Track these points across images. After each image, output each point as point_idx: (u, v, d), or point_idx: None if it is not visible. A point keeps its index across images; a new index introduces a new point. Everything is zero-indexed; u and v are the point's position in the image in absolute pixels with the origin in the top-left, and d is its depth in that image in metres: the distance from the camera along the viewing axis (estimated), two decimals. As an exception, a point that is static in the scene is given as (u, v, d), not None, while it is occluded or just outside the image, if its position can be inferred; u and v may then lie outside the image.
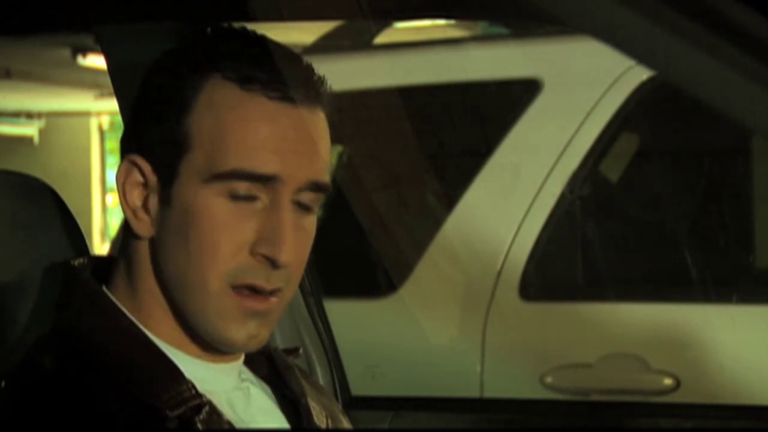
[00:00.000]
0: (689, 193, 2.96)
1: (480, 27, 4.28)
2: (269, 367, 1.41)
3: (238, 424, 1.28)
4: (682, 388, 2.69)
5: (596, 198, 2.97)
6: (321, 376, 2.05)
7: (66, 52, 7.63)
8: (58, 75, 8.73)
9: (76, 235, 1.44)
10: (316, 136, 1.28)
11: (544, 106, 2.95)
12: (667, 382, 2.70)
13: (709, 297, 2.74)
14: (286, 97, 1.25)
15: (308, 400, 1.39)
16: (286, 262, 1.24)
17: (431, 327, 2.89)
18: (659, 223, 2.94)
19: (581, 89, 2.94)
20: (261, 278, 1.25)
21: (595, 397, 2.78)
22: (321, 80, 1.29)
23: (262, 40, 1.30)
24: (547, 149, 2.92)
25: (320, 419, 1.39)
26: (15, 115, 11.06)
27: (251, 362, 1.38)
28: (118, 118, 1.65)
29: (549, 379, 2.78)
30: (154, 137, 1.27)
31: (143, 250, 1.29)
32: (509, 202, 2.92)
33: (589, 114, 2.90)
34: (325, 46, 3.45)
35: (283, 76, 1.25)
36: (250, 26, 1.33)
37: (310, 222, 1.29)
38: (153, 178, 1.27)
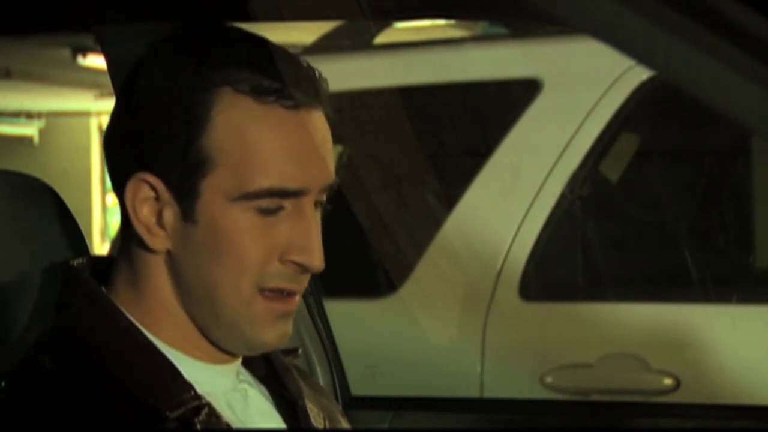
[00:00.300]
0: (689, 193, 2.96)
1: (480, 27, 4.28)
2: (267, 368, 1.41)
3: (236, 425, 1.28)
4: (682, 388, 2.69)
5: (596, 198, 2.97)
6: (321, 376, 2.05)
7: (66, 52, 7.63)
8: (58, 75, 8.74)
9: (76, 235, 1.44)
10: (327, 137, 1.28)
11: (544, 106, 2.95)
12: (667, 382, 2.70)
13: (709, 297, 2.74)
14: (298, 104, 1.25)
15: (305, 402, 1.39)
16: (319, 266, 1.26)
17: (431, 327, 2.89)
18: (659, 223, 2.94)
19: (581, 89, 2.94)
20: (292, 283, 1.27)
21: (595, 397, 2.78)
22: (324, 80, 1.29)
23: (264, 44, 1.28)
24: (547, 149, 2.92)
25: (318, 421, 1.39)
26: (15, 115, 11.07)
27: (249, 363, 1.38)
28: (118, 118, 1.64)
29: (549, 379, 2.78)
30: (165, 156, 1.24)
31: (156, 262, 1.28)
32: (509, 202, 2.92)
33: (589, 114, 2.90)
34: (325, 46, 3.45)
35: (291, 81, 1.25)
36: (250, 26, 1.32)
37: (320, 220, 1.30)
38: (167, 195, 1.25)
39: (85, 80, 8.84)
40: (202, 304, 1.27)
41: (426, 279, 2.93)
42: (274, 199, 1.24)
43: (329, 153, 1.28)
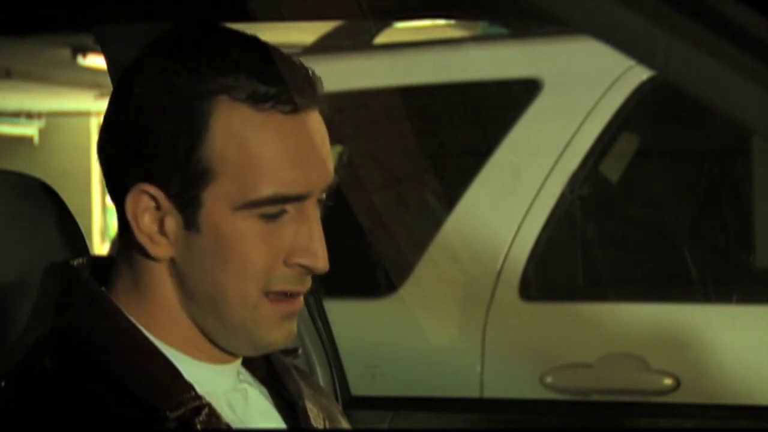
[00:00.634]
0: (689, 193, 2.96)
1: (480, 27, 4.28)
2: (267, 368, 1.41)
3: (236, 425, 1.28)
4: (682, 388, 2.69)
5: (596, 198, 2.97)
6: (321, 376, 2.05)
7: (66, 52, 7.63)
8: (58, 75, 8.74)
9: (76, 235, 1.44)
10: (325, 138, 1.28)
11: (544, 106, 2.95)
12: (667, 382, 2.70)
13: (709, 297, 2.74)
14: (296, 108, 1.24)
15: (305, 402, 1.39)
16: (324, 267, 1.26)
17: (431, 327, 2.89)
18: (659, 223, 2.94)
19: (581, 89, 2.94)
20: (297, 284, 1.27)
21: (595, 397, 2.78)
22: (318, 79, 1.29)
23: (258, 46, 1.27)
24: (547, 149, 2.92)
25: (317, 421, 1.39)
26: (15, 115, 11.07)
27: (249, 363, 1.38)
28: (118, 118, 1.64)
29: (549, 379, 2.78)
30: (164, 167, 1.23)
31: (159, 268, 1.28)
32: (509, 202, 2.92)
33: (589, 114, 2.90)
34: (325, 46, 3.45)
35: (288, 85, 1.24)
36: (250, 26, 1.32)
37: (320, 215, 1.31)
38: (167, 204, 1.25)
39: (85, 80, 8.84)
40: (207, 308, 1.27)
41: (426, 279, 2.93)
42: (277, 206, 1.24)
43: (328, 153, 1.28)
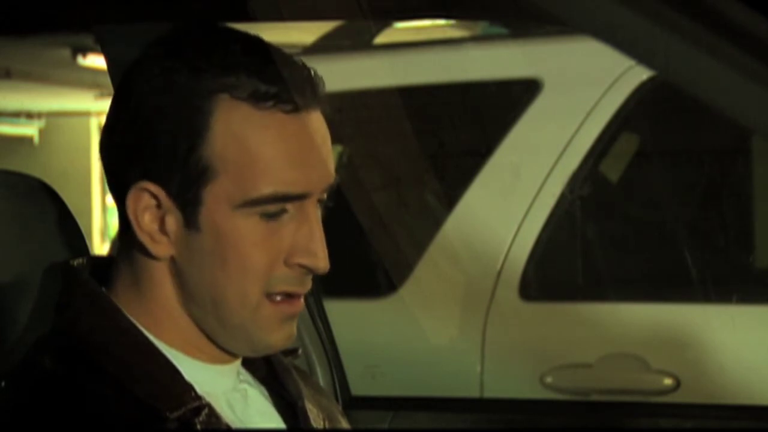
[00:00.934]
0: (689, 193, 2.96)
1: (480, 27, 4.27)
2: (267, 368, 1.41)
3: (236, 425, 1.28)
4: (682, 388, 2.69)
5: (596, 198, 2.97)
6: (321, 376, 2.05)
7: (66, 52, 7.63)
8: (58, 75, 8.74)
9: (76, 235, 1.44)
10: (326, 137, 1.28)
11: (544, 106, 2.95)
12: (667, 382, 2.70)
13: (709, 297, 2.74)
14: (297, 107, 1.24)
15: (305, 403, 1.38)
16: (324, 268, 1.26)
17: (431, 327, 2.89)
18: (659, 223, 2.94)
19: (581, 89, 2.94)
20: (297, 285, 1.27)
21: (595, 397, 2.78)
22: (320, 79, 1.29)
23: (259, 46, 1.27)
24: (547, 149, 2.92)
25: (317, 422, 1.39)
26: (15, 115, 11.07)
27: (249, 363, 1.38)
28: (118, 118, 1.64)
29: (549, 379, 2.78)
30: (165, 166, 1.24)
31: (159, 267, 1.28)
32: (509, 202, 2.92)
33: (589, 114, 2.90)
34: (325, 46, 3.45)
35: (289, 84, 1.24)
36: (250, 26, 1.32)
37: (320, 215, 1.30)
38: (168, 203, 1.25)
39: (85, 80, 8.84)
40: (207, 309, 1.27)
41: (426, 279, 2.93)
42: (277, 204, 1.24)
43: (329, 153, 1.28)
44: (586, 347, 2.81)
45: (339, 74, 3.02)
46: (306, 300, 2.02)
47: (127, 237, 1.29)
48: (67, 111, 10.92)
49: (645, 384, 2.73)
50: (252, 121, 1.23)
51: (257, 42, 1.28)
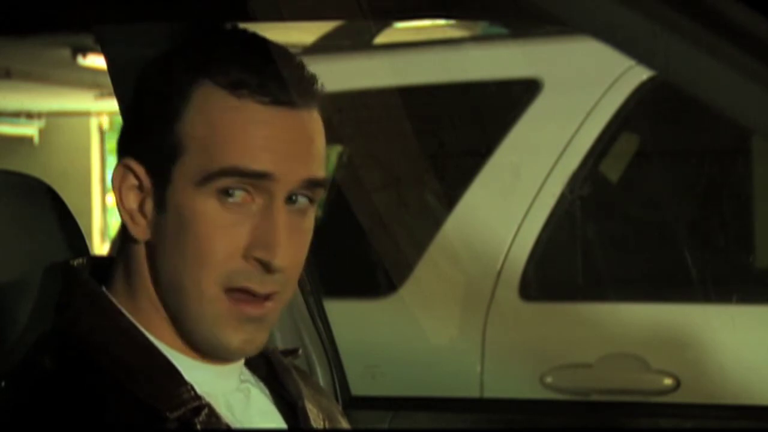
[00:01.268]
0: (689, 193, 2.96)
1: (480, 27, 4.27)
2: (267, 368, 1.41)
3: (235, 427, 1.28)
4: (682, 388, 2.69)
5: (596, 198, 2.97)
6: (321, 376, 2.05)
7: (66, 52, 7.63)
8: (58, 75, 8.74)
9: (76, 235, 1.44)
10: (310, 135, 1.27)
11: (544, 106, 2.95)
12: (667, 382, 2.70)
13: (709, 297, 2.74)
14: (276, 101, 1.25)
15: (305, 403, 1.38)
16: (280, 266, 1.24)
17: (431, 327, 2.89)
18: (659, 223, 2.94)
19: (581, 89, 2.94)
20: (255, 282, 1.24)
21: (595, 397, 2.78)
22: (312, 78, 1.29)
23: (254, 40, 1.29)
24: (547, 149, 2.92)
25: (317, 422, 1.39)
26: (15, 115, 11.06)
27: (249, 363, 1.38)
28: (118, 118, 1.65)
29: (549, 379, 2.78)
30: (146, 142, 1.27)
31: (140, 254, 1.29)
32: (509, 202, 2.92)
33: (589, 114, 2.90)
34: (325, 46, 3.45)
35: (274, 78, 1.25)
36: (250, 26, 1.33)
37: (308, 222, 1.29)
38: (148, 182, 1.27)
39: (85, 80, 8.83)
40: (172, 297, 1.27)
41: (426, 279, 2.93)
42: (234, 179, 1.23)
43: (313, 151, 1.27)
44: (586, 347, 2.81)
45: (339, 74, 3.02)
46: (306, 300, 2.03)
47: (124, 233, 1.30)
48: (67, 111, 10.91)
49: (645, 384, 2.73)
50: (225, 105, 1.25)
51: (253, 37, 1.30)
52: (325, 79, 1.30)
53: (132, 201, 1.28)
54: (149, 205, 1.27)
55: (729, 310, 2.74)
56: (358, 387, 2.17)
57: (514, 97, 2.99)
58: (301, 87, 1.27)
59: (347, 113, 3.01)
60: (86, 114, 11.10)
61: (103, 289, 1.31)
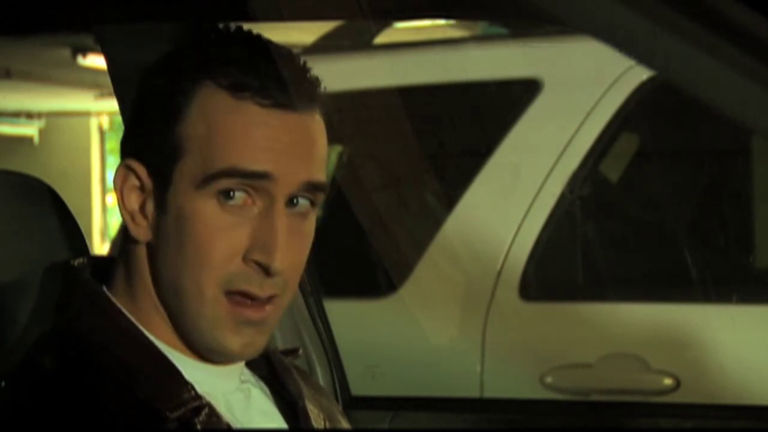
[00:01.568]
0: (689, 193, 2.96)
1: (480, 27, 4.27)
2: (268, 368, 1.41)
3: (235, 427, 1.28)
4: (682, 388, 2.69)
5: (596, 198, 2.97)
6: (321, 376, 2.05)
7: (66, 52, 7.63)
8: (58, 75, 8.73)
9: (76, 235, 1.44)
10: (311, 137, 1.27)
11: (544, 106, 2.95)
12: (667, 382, 2.70)
13: (709, 297, 2.74)
14: (277, 103, 1.25)
15: (306, 402, 1.38)
16: (279, 269, 1.24)
17: (431, 327, 2.89)
18: (659, 223, 2.94)
19: (581, 89, 2.94)
20: (254, 285, 1.24)
21: (595, 397, 2.78)
22: (315, 81, 1.29)
23: (256, 41, 1.29)
24: (547, 149, 2.92)
25: (318, 421, 1.39)
26: (15, 115, 11.06)
27: (250, 363, 1.38)
28: (118, 118, 1.65)
29: (549, 379, 2.78)
30: (148, 143, 1.27)
31: (141, 254, 1.29)
32: (509, 202, 2.92)
33: (589, 114, 2.90)
34: (325, 46, 3.45)
35: (275, 80, 1.25)
36: (250, 26, 1.33)
37: (308, 226, 1.29)
38: (149, 183, 1.27)
39: (85, 80, 8.83)
40: (172, 298, 1.27)
41: (426, 279, 2.93)
42: (234, 180, 1.23)
43: (314, 153, 1.27)
44: (586, 347, 2.81)
45: (339, 74, 3.02)
46: (306, 300, 2.03)
47: (125, 234, 1.30)
48: (67, 111, 10.91)
49: (645, 384, 2.73)
50: (226, 106, 1.25)
51: (255, 38, 1.30)
52: (325, 79, 1.30)
53: (133, 202, 1.28)
54: (150, 206, 1.27)
55: (729, 310, 2.74)
56: (358, 387, 2.17)
57: (514, 97, 2.99)
58: (303, 90, 1.27)
59: (347, 113, 3.01)
60: (86, 114, 11.10)
61: (104, 289, 1.31)
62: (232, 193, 1.24)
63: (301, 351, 1.61)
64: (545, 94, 2.95)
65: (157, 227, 1.27)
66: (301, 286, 1.95)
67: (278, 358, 1.42)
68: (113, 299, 1.30)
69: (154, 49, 1.33)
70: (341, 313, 2.28)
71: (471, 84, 3.12)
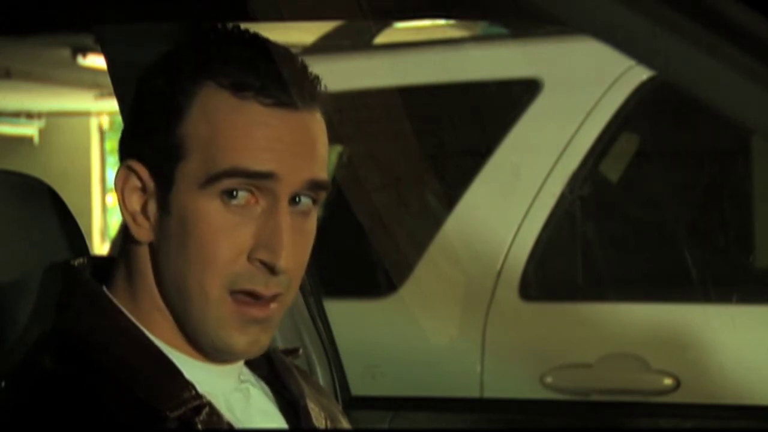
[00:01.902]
0: (689, 193, 2.96)
1: (480, 27, 4.27)
2: (268, 368, 1.41)
3: (236, 426, 1.28)
4: (682, 388, 2.69)
5: (596, 198, 2.97)
6: (321, 376, 2.05)
7: (66, 52, 7.63)
8: (58, 75, 8.74)
9: (76, 235, 1.44)
10: (313, 137, 1.27)
11: (544, 106, 2.95)
12: (667, 382, 2.70)
13: (709, 297, 2.74)
14: (279, 102, 1.25)
15: (307, 402, 1.38)
16: (284, 268, 1.24)
17: (431, 327, 2.89)
18: (659, 223, 2.94)
19: (581, 89, 2.94)
20: (259, 284, 1.25)
21: (595, 397, 2.78)
22: (316, 80, 1.29)
23: (257, 41, 1.29)
24: (547, 149, 2.92)
25: (319, 420, 1.39)
26: (15, 115, 11.06)
27: (251, 363, 1.38)
28: (118, 118, 1.65)
29: (549, 379, 2.78)
30: (149, 144, 1.27)
31: (143, 255, 1.29)
32: (509, 202, 2.92)
33: (589, 114, 2.90)
34: (325, 46, 3.45)
35: (277, 79, 1.25)
36: (250, 26, 1.33)
37: (310, 225, 1.29)
38: (151, 184, 1.27)
39: (85, 80, 8.83)
40: (175, 299, 1.27)
41: (426, 279, 2.93)
42: (238, 180, 1.23)
43: (316, 152, 1.27)
44: (586, 347, 2.81)
45: (339, 74, 3.02)
46: (306, 300, 2.03)
47: (126, 234, 1.30)
48: (67, 111, 10.91)
49: (645, 384, 2.73)
50: (228, 106, 1.25)
51: (255, 37, 1.30)
52: (325, 79, 1.30)
53: (135, 203, 1.28)
54: (152, 207, 1.27)
55: (729, 310, 2.74)
56: (358, 387, 2.17)
57: (514, 97, 2.99)
58: (304, 89, 1.27)
59: (347, 113, 3.01)
60: (86, 114, 11.10)
61: (104, 289, 1.31)
62: (235, 193, 1.24)
63: (301, 351, 1.60)
64: (545, 94, 2.95)
65: (160, 228, 1.27)
66: (301, 286, 1.95)
67: (279, 357, 1.42)
68: (113, 299, 1.30)
69: (154, 49, 1.33)
70: (341, 313, 2.28)
71: (471, 84, 3.12)
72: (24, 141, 11.09)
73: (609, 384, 2.78)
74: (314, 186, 1.27)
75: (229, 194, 1.24)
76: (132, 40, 1.63)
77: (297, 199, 1.27)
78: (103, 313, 1.28)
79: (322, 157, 1.28)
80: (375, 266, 3.02)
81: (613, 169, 3.03)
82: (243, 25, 1.32)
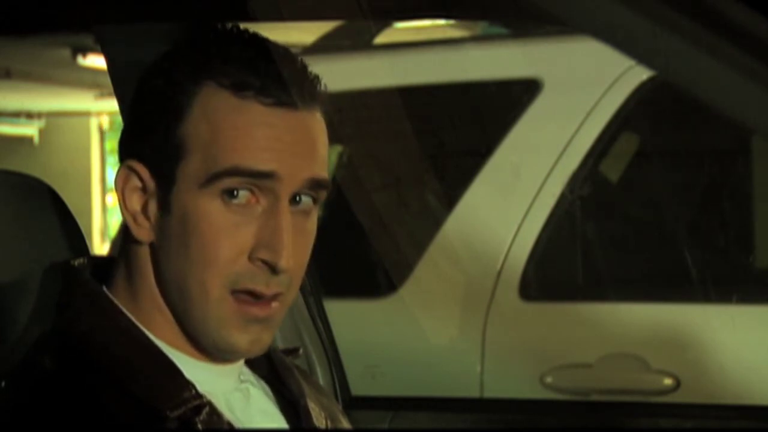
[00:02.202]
0: (689, 193, 2.96)
1: (480, 27, 4.27)
2: (269, 367, 1.41)
3: (236, 426, 1.28)
4: (682, 388, 2.69)
5: (596, 198, 2.97)
6: (321, 376, 2.05)
7: (66, 52, 7.63)
8: (58, 75, 8.74)
9: (76, 235, 1.44)
10: (313, 136, 1.27)
11: (544, 106, 2.95)
12: (667, 382, 2.70)
13: (709, 297, 2.74)
14: (280, 102, 1.25)
15: (307, 401, 1.38)
16: (285, 267, 1.24)
17: (431, 327, 2.89)
18: (659, 223, 2.94)
19: (581, 89, 2.94)
20: (260, 284, 1.25)
21: (595, 397, 2.78)
22: (316, 80, 1.29)
23: (257, 41, 1.29)
24: (547, 149, 2.92)
25: (319, 420, 1.39)
26: (15, 115, 11.06)
27: (251, 363, 1.38)
28: (118, 118, 1.65)
29: (549, 379, 2.78)
30: (150, 144, 1.27)
31: (143, 255, 1.29)
32: (509, 202, 2.92)
33: (589, 114, 2.90)
34: (325, 46, 3.45)
35: (277, 79, 1.25)
36: (250, 26, 1.33)
37: (311, 223, 1.29)
38: (151, 184, 1.27)
39: (85, 80, 8.83)
40: (176, 299, 1.27)
41: (426, 279, 2.93)
42: (238, 179, 1.23)
43: (317, 152, 1.27)
44: (586, 347, 2.81)
45: (339, 74, 3.02)
46: (306, 300, 2.03)
47: (126, 234, 1.30)
48: (67, 111, 10.91)
49: (645, 384, 2.73)
50: (228, 106, 1.25)
51: (255, 37, 1.30)
52: (325, 79, 1.31)
53: (135, 203, 1.28)
54: (153, 207, 1.27)
55: (729, 310, 2.74)
56: (358, 387, 2.17)
57: (514, 97, 2.99)
58: (304, 88, 1.27)
59: (347, 113, 3.01)
60: (86, 114, 11.11)
61: (104, 289, 1.31)
62: (236, 192, 1.24)
63: (301, 351, 1.60)
64: (545, 94, 2.95)
65: (160, 228, 1.27)
66: (301, 286, 1.95)
67: (279, 357, 1.42)
68: (113, 299, 1.30)
69: (154, 49, 1.33)
70: (341, 313, 2.28)
71: (471, 84, 3.12)
72: (24, 141, 11.09)
73: (609, 384, 2.78)
74: (315, 185, 1.27)
75: (230, 194, 1.24)
76: (132, 40, 1.63)
77: (297, 198, 1.27)
78: (103, 313, 1.28)
79: (323, 157, 1.28)
80: (375, 266, 3.02)
81: (613, 169, 3.03)
82: (243, 25, 1.32)
